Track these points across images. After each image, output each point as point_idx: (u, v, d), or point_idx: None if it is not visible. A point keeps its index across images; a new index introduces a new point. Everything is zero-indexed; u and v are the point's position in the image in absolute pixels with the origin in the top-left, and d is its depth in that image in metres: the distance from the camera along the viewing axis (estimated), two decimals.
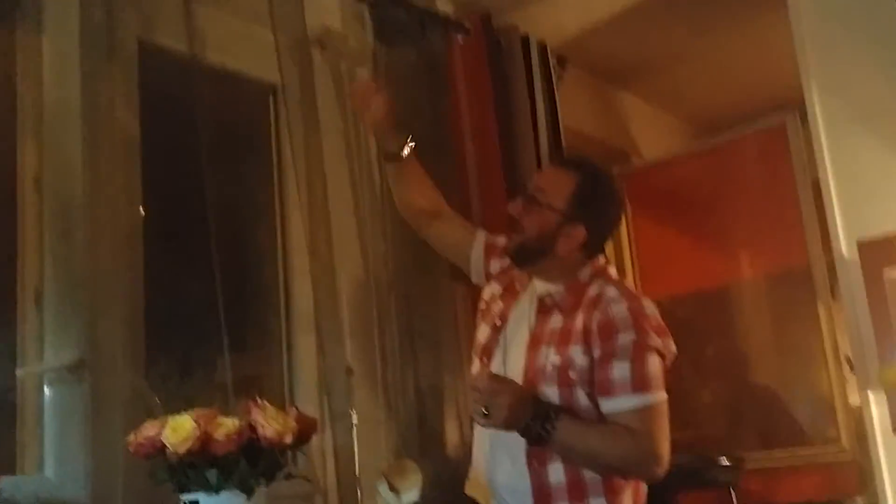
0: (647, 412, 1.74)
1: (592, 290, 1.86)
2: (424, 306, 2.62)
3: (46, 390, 1.79)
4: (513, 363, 1.86)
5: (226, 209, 2.30)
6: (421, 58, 2.80)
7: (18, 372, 1.79)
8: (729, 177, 3.53)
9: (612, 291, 1.84)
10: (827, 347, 3.15)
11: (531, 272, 1.95)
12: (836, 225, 2.50)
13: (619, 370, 1.75)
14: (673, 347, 1.83)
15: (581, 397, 1.77)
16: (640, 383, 1.75)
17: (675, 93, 4.05)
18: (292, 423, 1.68)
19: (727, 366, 3.50)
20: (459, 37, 2.96)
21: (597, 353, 1.77)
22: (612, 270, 1.95)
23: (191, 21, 2.15)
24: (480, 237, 2.13)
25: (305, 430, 1.73)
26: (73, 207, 1.87)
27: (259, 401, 1.69)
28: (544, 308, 1.88)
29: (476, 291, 2.70)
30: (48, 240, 1.85)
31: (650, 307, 1.83)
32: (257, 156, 2.54)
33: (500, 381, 1.76)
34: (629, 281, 3.67)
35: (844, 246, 2.47)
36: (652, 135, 4.15)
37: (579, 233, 1.85)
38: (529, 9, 3.14)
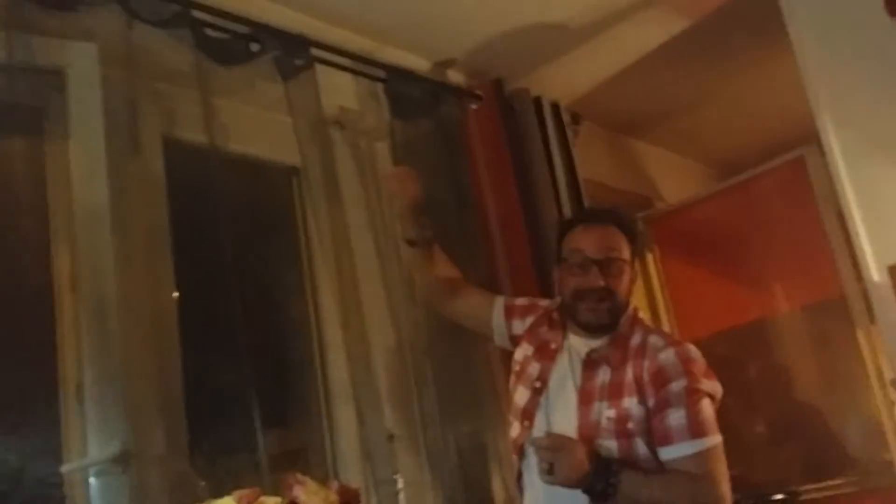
0: (705, 456, 1.79)
1: (635, 340, 1.92)
2: (461, 368, 2.63)
3: (92, 483, 1.81)
4: (561, 423, 1.89)
5: (257, 289, 2.36)
6: (437, 128, 2.86)
7: (63, 468, 1.82)
8: (754, 213, 3.54)
9: (656, 340, 1.92)
10: (871, 372, 3.11)
11: (568, 329, 2.00)
12: (864, 252, 2.50)
13: (676, 418, 1.80)
14: (720, 389, 1.88)
15: (640, 447, 1.82)
16: (696, 429, 1.80)
17: (692, 137, 4.08)
18: (334, 497, 1.71)
19: (772, 399, 3.46)
20: (473, 105, 3.03)
21: (651, 402, 1.83)
22: (643, 315, 2.01)
23: (210, 114, 2.22)
24: (499, 301, 2.22)
25: (348, 502, 1.74)
26: (108, 302, 1.92)
27: (300, 476, 1.71)
28: (591, 364, 1.92)
29: (510, 351, 2.73)
30: (85, 335, 1.89)
31: (695, 351, 1.90)
32: (284, 236, 2.60)
33: (562, 438, 1.80)
34: (664, 322, 3.68)
35: (875, 272, 2.47)
36: (673, 179, 4.17)
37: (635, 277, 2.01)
38: (540, 71, 3.20)
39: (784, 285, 3.49)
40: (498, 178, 2.99)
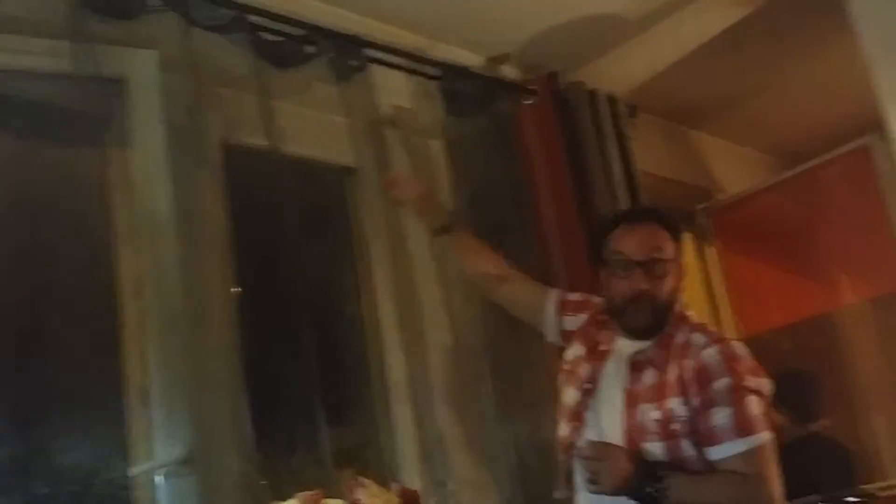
0: (754, 455, 1.75)
1: (679, 339, 1.88)
2: (518, 368, 2.62)
3: (159, 485, 1.85)
4: (609, 425, 1.87)
5: (316, 290, 2.38)
6: (491, 124, 2.85)
7: (131, 471, 1.87)
8: (817, 204, 3.47)
9: (699, 338, 1.87)
10: None
11: (617, 332, 1.97)
12: None
13: (721, 417, 1.76)
14: (768, 385, 1.83)
15: (687, 448, 1.78)
16: (743, 427, 1.75)
17: (752, 126, 3.99)
18: (395, 499, 1.72)
19: (841, 394, 3.38)
20: (527, 100, 3.01)
21: (696, 401, 1.79)
22: (692, 314, 1.96)
23: (269, 117, 2.24)
24: (552, 295, 2.18)
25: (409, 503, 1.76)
26: (172, 306, 1.96)
27: (361, 478, 1.73)
28: (637, 366, 1.89)
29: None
30: (150, 339, 1.94)
31: (740, 348, 1.85)
32: (341, 236, 2.62)
33: (605, 446, 1.79)
34: (724, 317, 3.62)
35: None
36: (733, 170, 4.09)
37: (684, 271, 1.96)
38: (594, 63, 3.16)
39: (849, 277, 3.41)
40: (553, 174, 2.96)
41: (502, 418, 2.50)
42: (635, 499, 1.74)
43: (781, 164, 4.21)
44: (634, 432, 1.81)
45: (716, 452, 1.76)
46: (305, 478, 2.15)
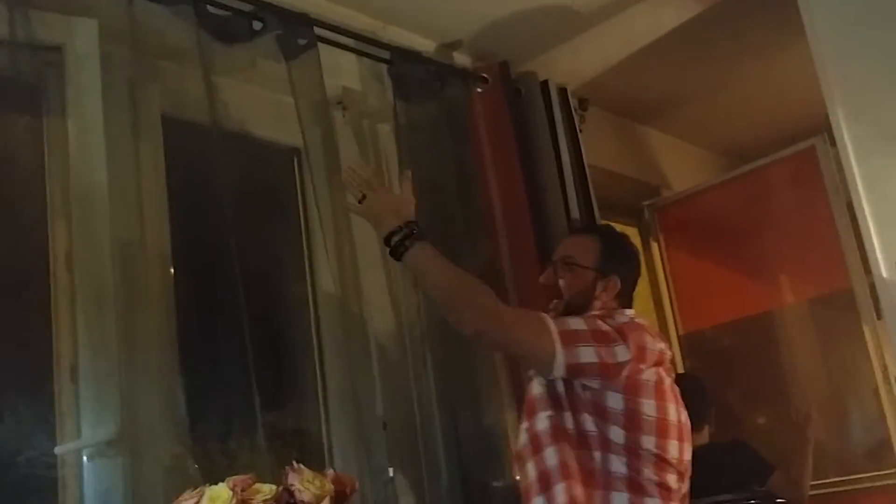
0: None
1: None
2: (460, 355, 2.61)
3: (86, 465, 1.80)
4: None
5: (256, 271, 2.33)
6: (442, 111, 2.83)
7: (57, 449, 1.81)
8: (762, 203, 3.51)
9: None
10: (876, 368, 3.09)
11: None
12: (873, 247, 2.46)
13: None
14: (621, 354, 1.80)
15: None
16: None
17: (701, 124, 4.03)
18: (329, 486, 1.69)
19: (776, 392, 3.43)
20: (478, 88, 2.99)
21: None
22: (642, 320, 2.00)
23: (212, 93, 2.19)
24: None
25: (343, 492, 1.73)
26: (104, 281, 1.90)
27: (295, 464, 1.70)
28: None
29: None
30: (81, 315, 1.87)
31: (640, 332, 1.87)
32: (285, 217, 2.58)
33: (383, 183, 1.96)
34: (668, 313, 3.65)
35: (883, 267, 2.43)
36: (681, 168, 4.12)
37: (615, 283, 2.02)
38: (547, 54, 3.16)
39: (791, 277, 3.47)
40: (503, 163, 2.95)
41: (443, 405, 2.48)
42: (385, 243, 1.85)
43: (729, 163, 4.26)
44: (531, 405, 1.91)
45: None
46: (239, 463, 2.11)
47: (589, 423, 1.81)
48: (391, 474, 2.20)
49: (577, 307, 1.98)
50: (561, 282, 2.01)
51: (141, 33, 2.09)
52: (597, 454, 1.79)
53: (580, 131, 3.15)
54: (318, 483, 1.68)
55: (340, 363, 2.36)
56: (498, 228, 2.91)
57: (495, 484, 2.58)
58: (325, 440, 2.39)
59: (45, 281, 1.92)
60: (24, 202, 2.00)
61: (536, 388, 1.92)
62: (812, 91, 2.60)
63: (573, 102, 3.18)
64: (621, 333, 1.82)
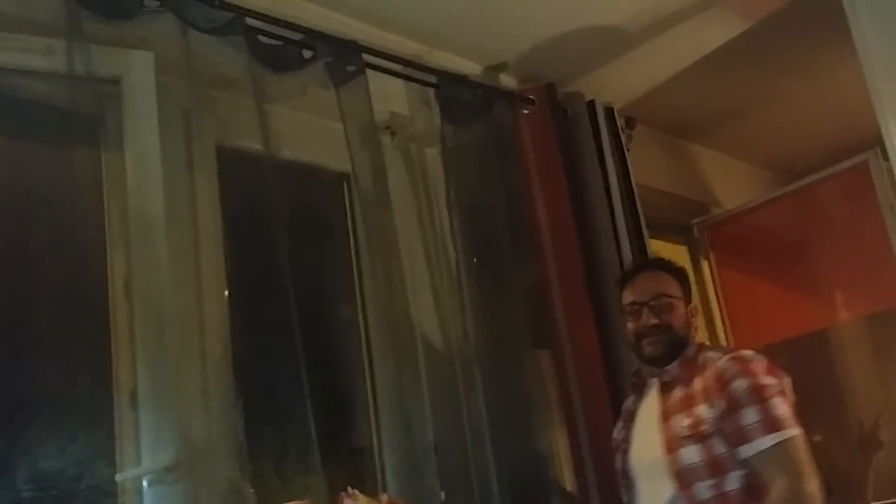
0: (785, 447, 1.87)
1: (700, 360, 2.10)
2: (510, 377, 2.60)
3: (146, 491, 1.82)
4: (648, 443, 2.07)
5: (308, 295, 2.35)
6: (489, 133, 2.84)
7: (118, 477, 1.83)
8: (814, 220, 3.47)
9: (714, 353, 2.09)
10: None
11: (645, 375, 2.21)
12: None
13: (749, 416, 1.90)
14: (788, 383, 1.99)
15: (719, 446, 1.93)
16: (771, 423, 1.88)
17: (750, 140, 3.99)
18: None
19: (832, 412, 3.36)
20: (525, 109, 2.99)
21: (720, 404, 1.95)
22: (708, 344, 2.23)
23: (264, 120, 2.22)
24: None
25: None
26: (161, 308, 1.93)
27: (350, 489, 1.71)
28: (666, 387, 2.11)
29: (559, 356, 2.71)
30: (140, 341, 1.90)
31: (749, 353, 2.04)
32: (335, 241, 2.60)
33: None
34: (719, 332, 3.62)
35: None
36: (730, 184, 4.08)
37: (696, 308, 2.23)
38: (593, 75, 3.16)
39: (846, 294, 3.41)
40: (550, 184, 2.94)
41: (494, 428, 2.48)
42: None
43: (779, 179, 4.21)
44: (671, 441, 1.99)
45: (746, 450, 1.89)
46: (294, 485, 2.13)
47: None
48: (443, 498, 2.20)
49: (682, 339, 2.13)
50: (658, 319, 2.12)
51: (195, 64, 2.12)
52: None
53: (627, 150, 3.14)
54: None
55: (391, 385, 2.37)
56: (545, 250, 2.91)
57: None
58: (377, 462, 2.39)
59: (104, 308, 1.96)
60: (83, 231, 2.04)
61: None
62: (863, 105, 2.57)
63: (620, 122, 3.16)
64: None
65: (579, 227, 2.90)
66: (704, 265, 3.74)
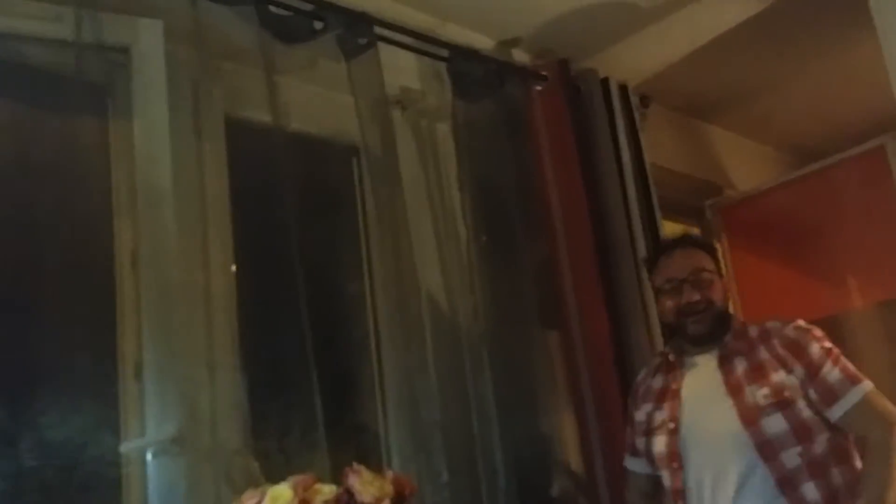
0: (871, 398, 1.97)
1: (753, 332, 2.12)
2: (518, 358, 2.58)
3: (149, 462, 1.81)
4: (720, 421, 2.00)
5: (316, 269, 2.33)
6: (500, 109, 2.80)
7: (122, 447, 1.83)
8: (829, 203, 3.42)
9: (772, 324, 2.12)
10: None
11: (685, 356, 2.17)
12: None
13: (833, 375, 1.98)
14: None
15: (804, 410, 1.96)
16: (853, 378, 1.99)
17: (766, 121, 3.94)
18: (389, 488, 1.68)
19: None
20: (537, 86, 2.95)
21: (800, 371, 1.99)
22: None
23: (273, 92, 2.20)
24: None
25: (402, 494, 1.72)
26: (168, 280, 1.92)
27: (355, 465, 1.69)
28: (725, 360, 2.09)
29: (568, 338, 2.68)
30: (145, 313, 1.89)
31: (806, 324, 2.11)
32: (344, 215, 2.58)
33: None
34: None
35: None
36: (745, 166, 4.04)
37: (727, 283, 2.21)
38: (608, 51, 3.11)
39: (859, 280, 3.37)
40: (562, 161, 2.91)
41: (500, 409, 2.46)
42: None
43: (794, 161, 4.17)
44: (749, 413, 1.96)
45: (839, 408, 1.95)
46: (297, 461, 2.12)
47: None
48: (446, 478, 2.19)
49: (724, 312, 2.14)
50: (700, 295, 2.11)
51: (204, 34, 2.09)
52: None
53: (641, 129, 3.10)
54: (377, 484, 1.67)
55: (398, 362, 2.35)
56: (556, 227, 2.88)
57: (552, 487, 2.56)
58: (382, 439, 2.38)
59: (110, 279, 1.95)
60: (90, 201, 2.02)
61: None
62: (881, 88, 2.53)
63: (634, 100, 3.13)
64: None
65: (591, 207, 2.87)
66: (717, 247, 3.71)
